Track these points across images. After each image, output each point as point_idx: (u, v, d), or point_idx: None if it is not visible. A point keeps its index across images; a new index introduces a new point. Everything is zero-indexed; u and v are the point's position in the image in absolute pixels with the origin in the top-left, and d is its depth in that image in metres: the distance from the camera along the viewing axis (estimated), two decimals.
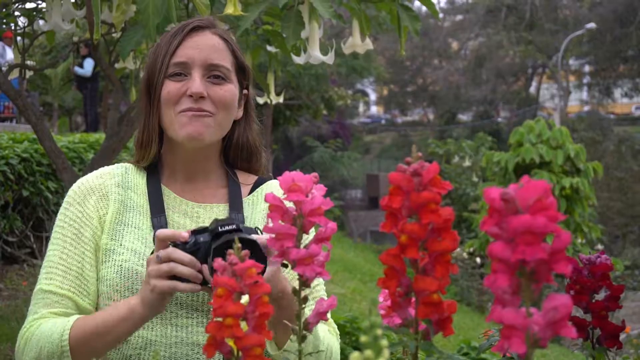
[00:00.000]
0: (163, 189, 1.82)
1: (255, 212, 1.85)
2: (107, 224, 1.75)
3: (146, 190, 1.81)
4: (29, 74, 4.38)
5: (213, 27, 1.82)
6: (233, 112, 1.81)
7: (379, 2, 3.26)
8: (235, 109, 1.82)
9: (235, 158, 1.90)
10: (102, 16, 3.37)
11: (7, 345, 5.38)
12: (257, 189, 1.89)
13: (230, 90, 1.78)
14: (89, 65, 14.11)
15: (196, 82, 1.73)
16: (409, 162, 0.93)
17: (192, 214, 1.81)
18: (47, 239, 7.63)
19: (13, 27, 3.85)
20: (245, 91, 1.88)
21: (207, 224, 1.76)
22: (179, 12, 3.19)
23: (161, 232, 1.55)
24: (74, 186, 1.83)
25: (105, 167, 1.88)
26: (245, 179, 1.91)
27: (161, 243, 1.54)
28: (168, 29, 3.19)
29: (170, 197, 1.82)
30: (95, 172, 1.86)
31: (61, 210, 1.81)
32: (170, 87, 1.74)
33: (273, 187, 1.91)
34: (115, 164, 1.88)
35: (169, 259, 1.51)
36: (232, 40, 1.85)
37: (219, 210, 1.83)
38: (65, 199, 1.82)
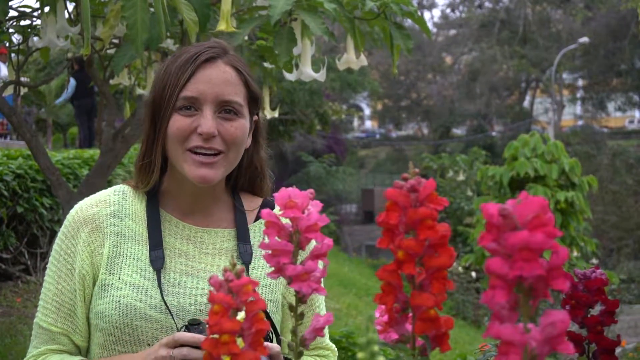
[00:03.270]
0: (164, 215, 1.79)
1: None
2: (104, 259, 1.71)
3: (145, 218, 1.77)
4: (23, 90, 4.38)
5: (225, 55, 1.76)
6: (243, 147, 1.78)
7: (372, 19, 3.28)
8: (245, 143, 1.78)
9: (239, 181, 1.88)
10: (97, 32, 3.38)
11: None
12: None
13: (242, 126, 1.74)
14: (70, 86, 14.05)
15: (208, 121, 1.68)
16: (405, 178, 0.93)
17: (195, 239, 1.78)
18: (42, 255, 7.62)
19: (7, 44, 3.85)
20: (255, 117, 1.84)
21: (210, 249, 1.78)
22: (173, 29, 3.20)
23: (181, 337, 1.55)
24: (69, 215, 1.79)
25: (103, 192, 1.83)
26: (250, 203, 1.88)
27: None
28: (164, 46, 3.20)
29: (172, 223, 1.79)
30: (91, 198, 1.82)
31: (57, 240, 1.80)
32: (179, 123, 1.69)
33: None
34: (113, 188, 1.83)
35: (180, 344, 1.54)
36: (245, 68, 1.79)
37: (224, 236, 1.81)
38: (62, 229, 1.80)
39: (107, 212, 1.76)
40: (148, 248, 1.74)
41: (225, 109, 1.71)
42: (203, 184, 1.71)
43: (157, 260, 1.71)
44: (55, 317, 1.74)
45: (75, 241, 1.75)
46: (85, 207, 1.78)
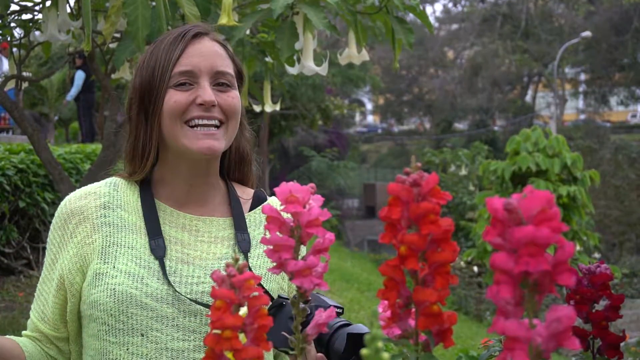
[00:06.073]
0: (158, 204, 1.77)
1: (259, 231, 1.82)
2: (97, 249, 1.69)
3: (139, 208, 1.75)
4: (25, 85, 4.38)
5: (211, 34, 1.78)
6: (239, 119, 1.77)
7: (374, 13, 3.27)
8: (240, 115, 1.78)
9: (230, 168, 1.87)
10: (99, 26, 3.37)
11: None
12: (258, 207, 1.85)
13: (237, 97, 1.75)
14: (79, 79, 14.06)
15: (207, 91, 1.68)
16: (408, 173, 0.93)
17: (190, 227, 1.76)
18: (44, 250, 7.60)
19: (9, 39, 3.85)
20: None
21: (206, 237, 1.77)
22: (175, 22, 3.19)
23: None
24: (59, 207, 1.79)
25: (94, 184, 1.81)
26: (242, 193, 1.87)
27: None
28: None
29: (166, 212, 1.76)
30: (80, 190, 1.80)
31: (49, 230, 1.80)
32: (176, 97, 1.68)
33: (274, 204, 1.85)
34: (105, 180, 1.82)
35: None
36: (228, 46, 1.82)
37: (219, 224, 1.79)
38: (53, 220, 1.80)
39: (97, 203, 1.74)
40: (144, 237, 1.71)
41: (219, 82, 1.72)
42: (209, 154, 1.69)
43: (158, 249, 1.69)
44: (35, 303, 1.78)
45: (62, 232, 1.74)
46: (73, 200, 1.77)
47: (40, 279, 1.78)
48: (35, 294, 1.80)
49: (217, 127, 1.71)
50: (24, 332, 1.80)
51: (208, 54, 1.72)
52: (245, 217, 1.83)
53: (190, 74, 1.69)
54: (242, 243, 1.77)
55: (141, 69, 1.75)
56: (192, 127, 1.69)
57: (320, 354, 1.50)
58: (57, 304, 1.74)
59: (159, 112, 1.70)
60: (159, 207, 1.76)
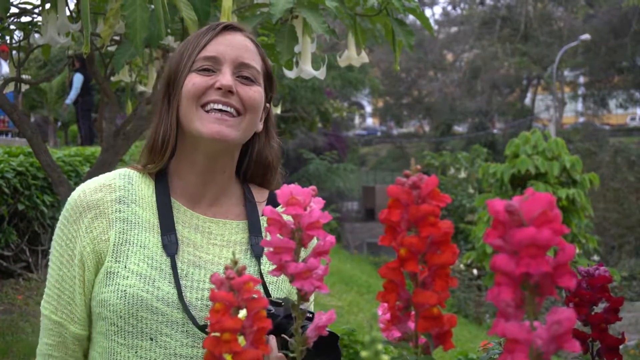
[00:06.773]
0: (172, 202, 1.73)
1: None
2: (110, 246, 1.65)
3: (154, 204, 1.72)
4: (24, 87, 4.38)
5: (245, 31, 1.77)
6: (259, 117, 1.75)
7: (374, 16, 3.27)
8: (260, 114, 1.75)
9: (249, 171, 1.83)
10: (98, 29, 3.38)
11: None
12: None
13: (259, 92, 1.73)
14: (78, 81, 14.07)
15: (226, 76, 1.66)
16: (407, 175, 0.93)
17: (203, 228, 1.73)
18: (43, 252, 7.64)
19: (8, 41, 3.85)
20: (267, 104, 1.81)
21: (219, 241, 1.73)
22: (173, 26, 3.20)
23: None
24: (71, 199, 1.72)
25: (107, 175, 1.76)
26: (258, 195, 1.84)
27: None
28: (164, 43, 3.20)
29: (180, 211, 1.73)
30: (94, 182, 1.74)
31: (59, 224, 1.74)
32: (195, 80, 1.67)
33: None
34: (118, 172, 1.76)
35: None
36: (260, 47, 1.80)
37: (232, 228, 1.76)
38: (63, 213, 1.74)
39: (112, 197, 1.70)
40: (157, 235, 1.68)
41: (243, 74, 1.70)
42: (219, 140, 1.66)
43: (171, 246, 1.67)
44: (56, 305, 1.71)
45: (77, 226, 1.69)
46: (88, 192, 1.71)
47: (58, 278, 1.71)
48: (50, 294, 1.73)
49: (234, 116, 1.68)
50: (47, 342, 1.74)
51: (236, 45, 1.72)
52: (260, 220, 1.79)
53: (214, 59, 1.69)
54: (256, 247, 1.74)
55: (171, 57, 1.76)
56: (207, 111, 1.67)
57: (280, 354, 1.47)
58: (85, 301, 1.70)
59: (178, 95, 1.69)
60: (172, 205, 1.73)
